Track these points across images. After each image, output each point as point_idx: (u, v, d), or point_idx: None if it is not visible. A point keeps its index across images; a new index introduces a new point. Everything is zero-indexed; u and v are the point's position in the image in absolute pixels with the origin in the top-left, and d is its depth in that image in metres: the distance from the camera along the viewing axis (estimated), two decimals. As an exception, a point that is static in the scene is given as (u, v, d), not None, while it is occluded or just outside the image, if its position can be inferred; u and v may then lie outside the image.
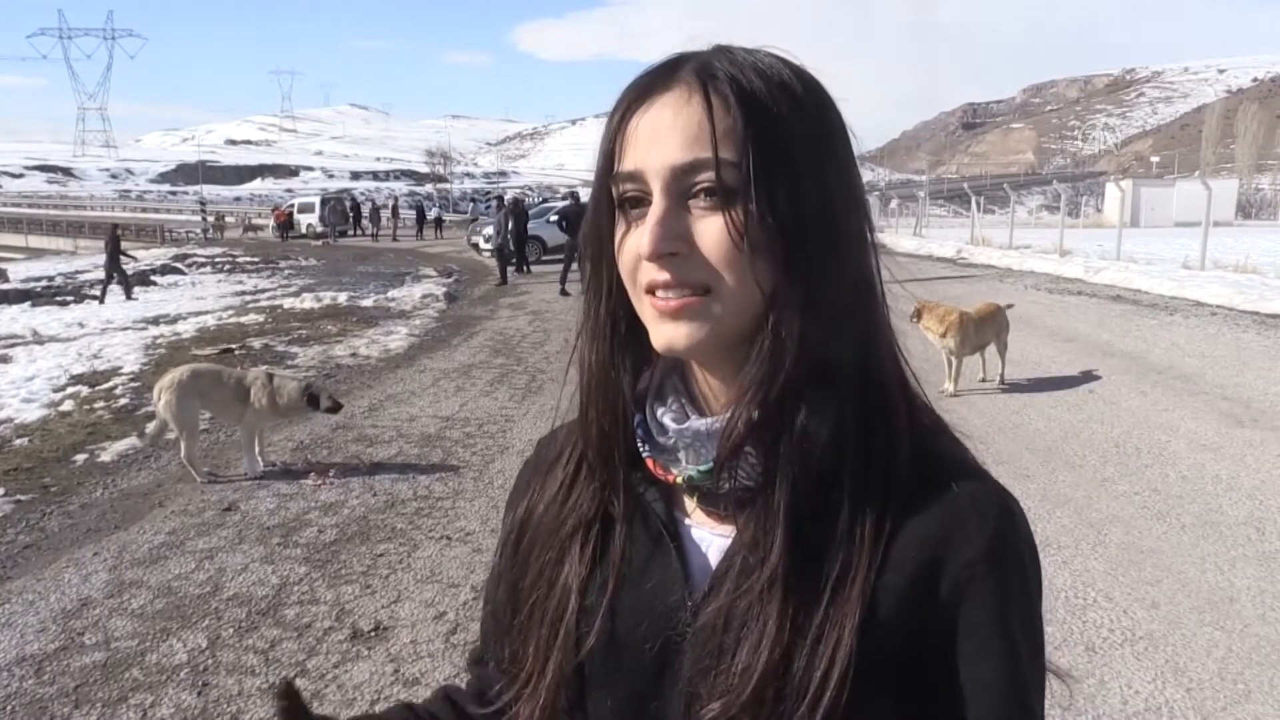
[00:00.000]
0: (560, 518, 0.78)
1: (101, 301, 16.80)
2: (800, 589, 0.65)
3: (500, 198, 24.31)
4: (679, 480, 0.72)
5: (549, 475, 0.81)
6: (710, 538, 0.72)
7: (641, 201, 0.67)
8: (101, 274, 17.82)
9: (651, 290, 0.67)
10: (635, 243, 0.67)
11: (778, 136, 0.64)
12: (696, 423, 0.71)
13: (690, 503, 0.74)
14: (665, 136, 0.65)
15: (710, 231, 0.64)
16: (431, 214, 42.86)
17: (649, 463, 0.73)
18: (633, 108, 0.68)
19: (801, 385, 0.66)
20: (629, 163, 0.67)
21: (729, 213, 0.64)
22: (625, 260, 0.69)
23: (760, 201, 0.63)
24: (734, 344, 0.68)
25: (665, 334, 0.67)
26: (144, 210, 61.10)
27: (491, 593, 0.86)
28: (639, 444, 0.74)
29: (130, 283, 17.53)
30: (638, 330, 0.71)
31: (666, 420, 0.73)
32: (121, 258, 17.48)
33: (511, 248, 18.81)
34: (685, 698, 0.68)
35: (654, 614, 0.71)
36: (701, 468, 0.70)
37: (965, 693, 0.65)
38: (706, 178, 0.64)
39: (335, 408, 6.19)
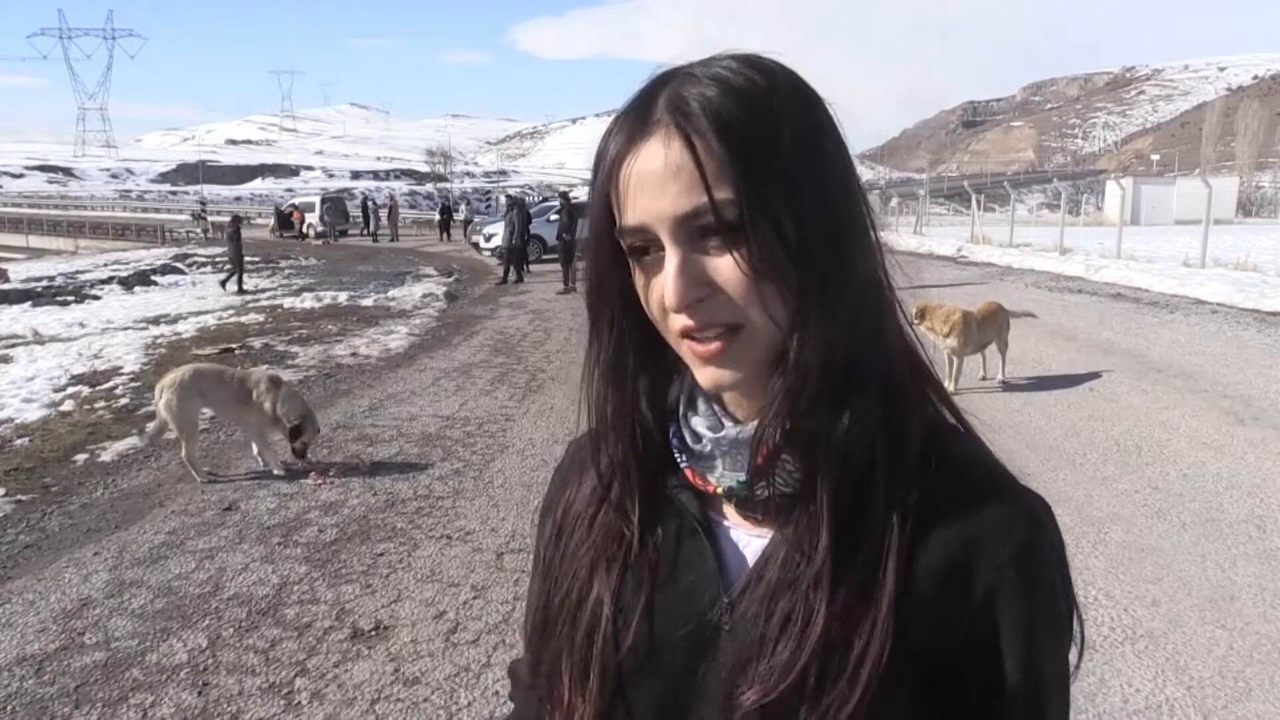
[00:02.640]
0: (590, 533, 0.79)
1: (240, 290, 17.43)
2: (845, 582, 0.66)
3: (512, 196, 24.04)
4: (719, 491, 0.72)
5: (579, 486, 0.82)
6: (747, 538, 0.73)
7: (649, 249, 0.67)
8: (228, 265, 18.58)
9: (686, 334, 0.67)
10: (659, 294, 0.67)
11: (766, 157, 0.64)
12: (731, 431, 0.72)
13: (726, 505, 0.74)
14: (659, 187, 0.64)
15: (726, 270, 0.64)
16: (460, 214, 36.73)
17: (688, 473, 0.74)
18: (619, 156, 0.67)
19: (837, 390, 0.66)
20: (630, 216, 0.66)
21: (735, 251, 0.64)
22: (653, 309, 0.69)
23: (763, 231, 0.63)
24: (774, 363, 0.68)
25: (710, 376, 0.68)
26: (144, 210, 61.04)
27: (533, 602, 0.87)
28: (675, 454, 0.74)
29: (236, 274, 18.22)
30: (654, 350, 0.72)
31: (701, 429, 0.73)
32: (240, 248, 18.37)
33: (514, 246, 18.84)
34: (725, 691, 0.69)
35: (690, 612, 0.72)
36: (740, 478, 0.71)
37: (985, 697, 0.66)
38: (709, 221, 0.64)
39: (300, 452, 6.02)
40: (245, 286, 17.85)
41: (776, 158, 0.64)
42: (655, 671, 0.73)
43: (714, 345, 0.66)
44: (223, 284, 18.00)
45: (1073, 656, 0.71)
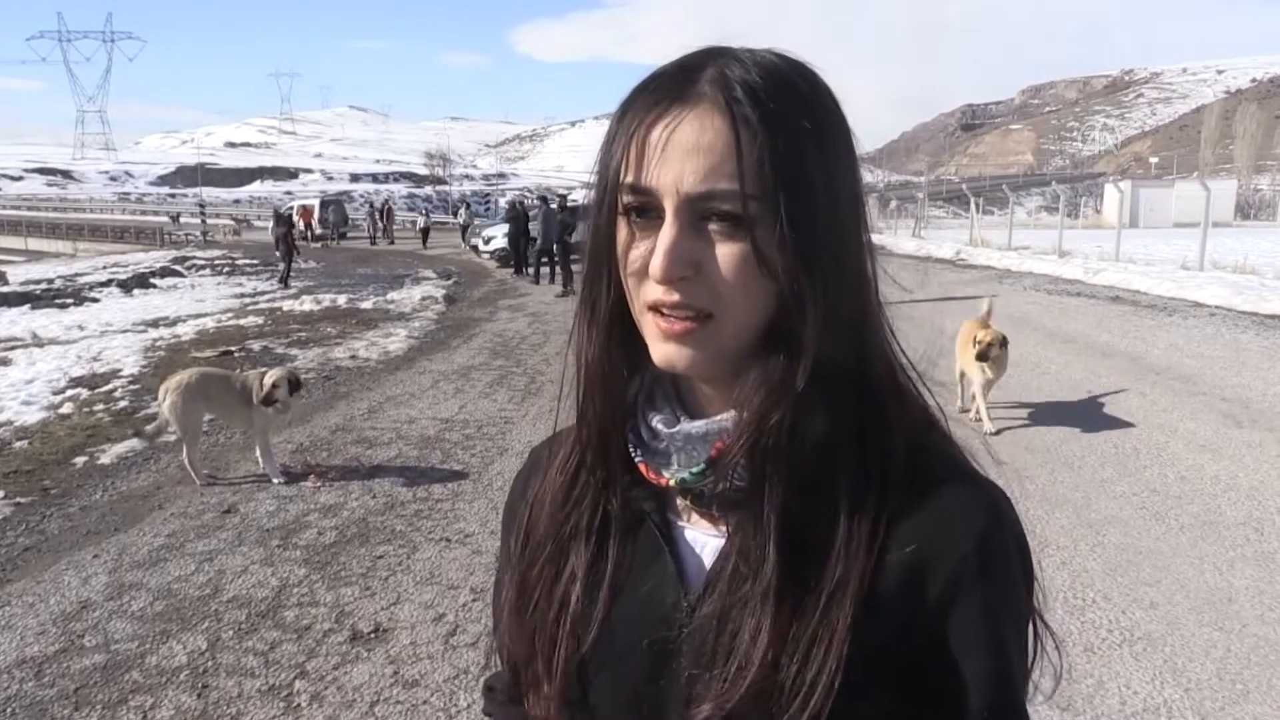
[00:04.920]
0: (561, 519, 0.78)
1: (285, 285, 18.45)
2: (793, 593, 0.66)
3: (544, 198, 23.65)
4: (671, 483, 0.71)
5: (546, 479, 0.81)
6: (704, 539, 0.72)
7: (646, 211, 0.65)
8: (282, 261, 19.62)
9: (655, 308, 0.66)
10: (642, 259, 0.65)
11: (798, 160, 0.63)
12: (688, 426, 0.71)
13: (683, 504, 0.74)
14: (683, 159, 0.62)
15: (722, 258, 0.63)
16: (459, 217, 35.27)
17: (641, 467, 0.73)
18: (646, 115, 0.65)
19: (812, 393, 0.66)
20: (641, 176, 0.64)
21: (738, 242, 0.63)
22: (630, 271, 0.67)
23: (774, 231, 0.62)
24: (734, 357, 0.67)
25: (666, 354, 0.66)
26: (143, 213, 60.96)
27: (499, 601, 0.85)
28: (630, 449, 0.74)
29: (289, 271, 19.31)
30: (634, 332, 0.71)
31: (658, 425, 0.73)
32: (294, 246, 19.67)
33: (516, 246, 19.08)
34: (683, 698, 0.68)
35: (651, 616, 0.72)
36: (694, 470, 0.70)
37: (956, 688, 0.66)
38: (726, 208, 0.63)
39: (279, 394, 5.82)
40: (246, 289, 17.94)
41: (806, 164, 0.63)
42: (620, 674, 0.73)
43: (680, 325, 0.65)
44: (283, 281, 18.79)
45: (1056, 654, 0.73)
